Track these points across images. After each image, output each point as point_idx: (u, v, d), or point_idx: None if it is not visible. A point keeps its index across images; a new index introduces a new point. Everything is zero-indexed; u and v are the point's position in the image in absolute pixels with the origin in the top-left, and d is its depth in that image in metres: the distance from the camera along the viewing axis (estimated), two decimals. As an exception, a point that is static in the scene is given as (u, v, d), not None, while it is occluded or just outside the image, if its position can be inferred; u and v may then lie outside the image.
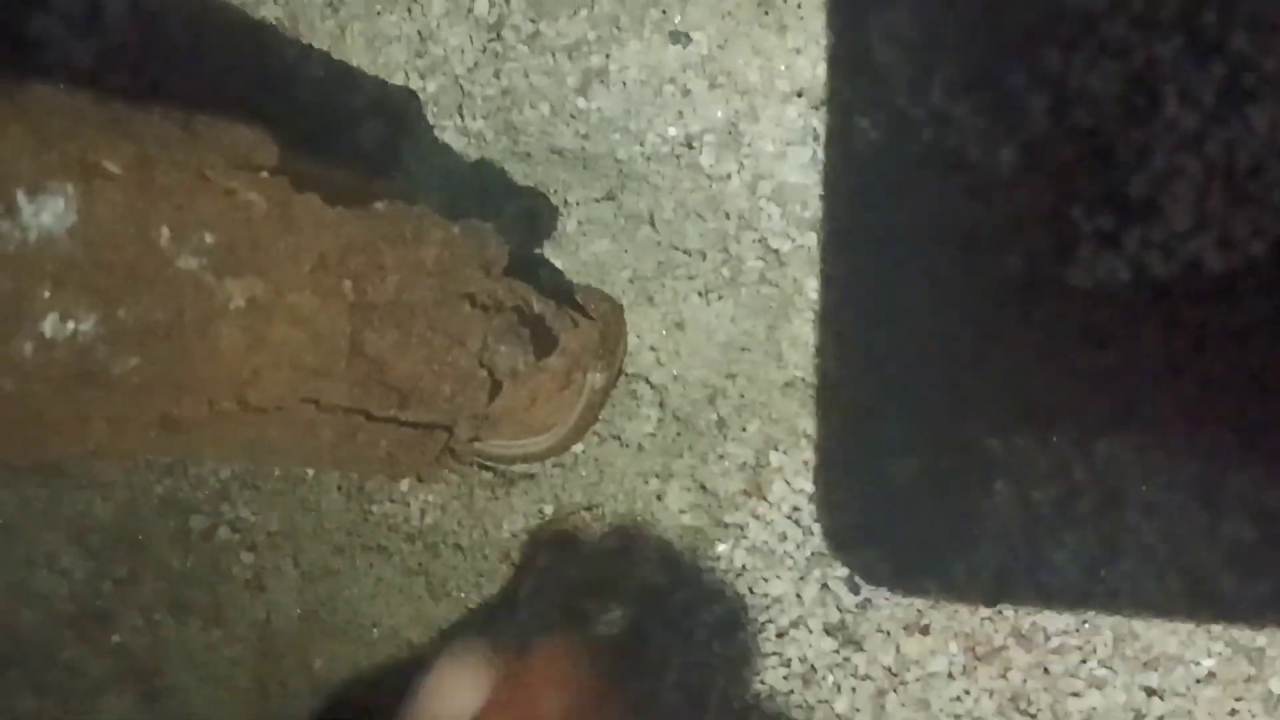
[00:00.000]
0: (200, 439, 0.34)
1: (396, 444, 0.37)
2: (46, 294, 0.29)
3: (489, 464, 0.45)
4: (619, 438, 0.45)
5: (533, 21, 0.45)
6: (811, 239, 0.46)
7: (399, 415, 0.36)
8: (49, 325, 0.29)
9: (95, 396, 0.31)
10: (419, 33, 0.47)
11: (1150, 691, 0.43)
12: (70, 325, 0.30)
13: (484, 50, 0.47)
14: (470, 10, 0.46)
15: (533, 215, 0.47)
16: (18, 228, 0.28)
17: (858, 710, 0.43)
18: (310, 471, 0.44)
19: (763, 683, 0.44)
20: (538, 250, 0.46)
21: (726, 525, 0.44)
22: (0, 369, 0.29)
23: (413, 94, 0.47)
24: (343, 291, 0.34)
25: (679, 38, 0.45)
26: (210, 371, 0.32)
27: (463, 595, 0.46)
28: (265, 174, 0.32)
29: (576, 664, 0.36)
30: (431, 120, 0.47)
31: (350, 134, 0.47)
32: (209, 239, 0.31)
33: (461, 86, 0.47)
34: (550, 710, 0.34)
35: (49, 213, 0.29)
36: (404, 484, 0.45)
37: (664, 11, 0.45)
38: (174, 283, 0.31)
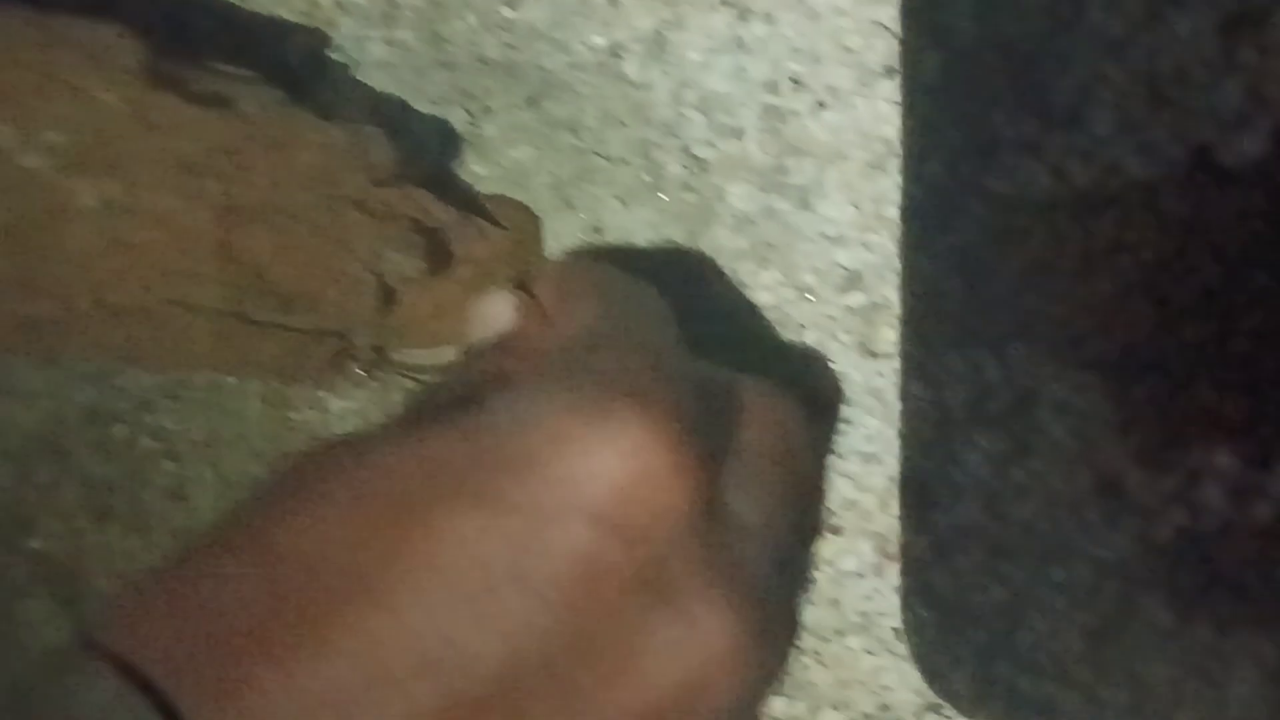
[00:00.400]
0: (64, 340, 0.34)
1: (283, 349, 0.37)
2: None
3: (404, 373, 0.45)
4: (538, 343, 0.45)
5: (459, -69, 0.45)
6: (735, 147, 0.46)
7: (283, 321, 0.36)
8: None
9: (-59, 296, 0.31)
10: (346, -56, 0.46)
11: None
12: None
13: (411, -40, 0.46)
14: (396, -80, 0.45)
15: (452, 123, 0.46)
16: None
17: (770, 610, 0.43)
18: (232, 380, 0.44)
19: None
20: (457, 158, 0.46)
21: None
22: None
23: (340, 6, 0.47)
24: (208, 193, 0.33)
25: (605, -54, 0.45)
26: (63, 272, 0.32)
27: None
28: (122, 74, 0.32)
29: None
30: (358, 32, 0.47)
31: (277, 46, 0.47)
32: (56, 138, 0.31)
33: (389, -3, 0.47)
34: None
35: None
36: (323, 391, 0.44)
37: (590, -80, 0.44)
38: (17, 181, 0.31)
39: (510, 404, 0.30)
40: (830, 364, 0.43)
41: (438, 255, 0.38)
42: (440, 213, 0.38)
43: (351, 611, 0.27)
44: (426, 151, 0.45)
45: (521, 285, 0.39)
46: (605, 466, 0.28)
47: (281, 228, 0.35)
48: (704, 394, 0.33)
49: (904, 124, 0.44)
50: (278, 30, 0.46)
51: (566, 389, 0.30)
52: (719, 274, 0.44)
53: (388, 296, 0.37)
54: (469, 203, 0.41)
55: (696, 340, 0.38)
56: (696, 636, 0.29)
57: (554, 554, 0.28)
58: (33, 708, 0.27)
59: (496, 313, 0.36)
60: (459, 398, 0.32)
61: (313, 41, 0.46)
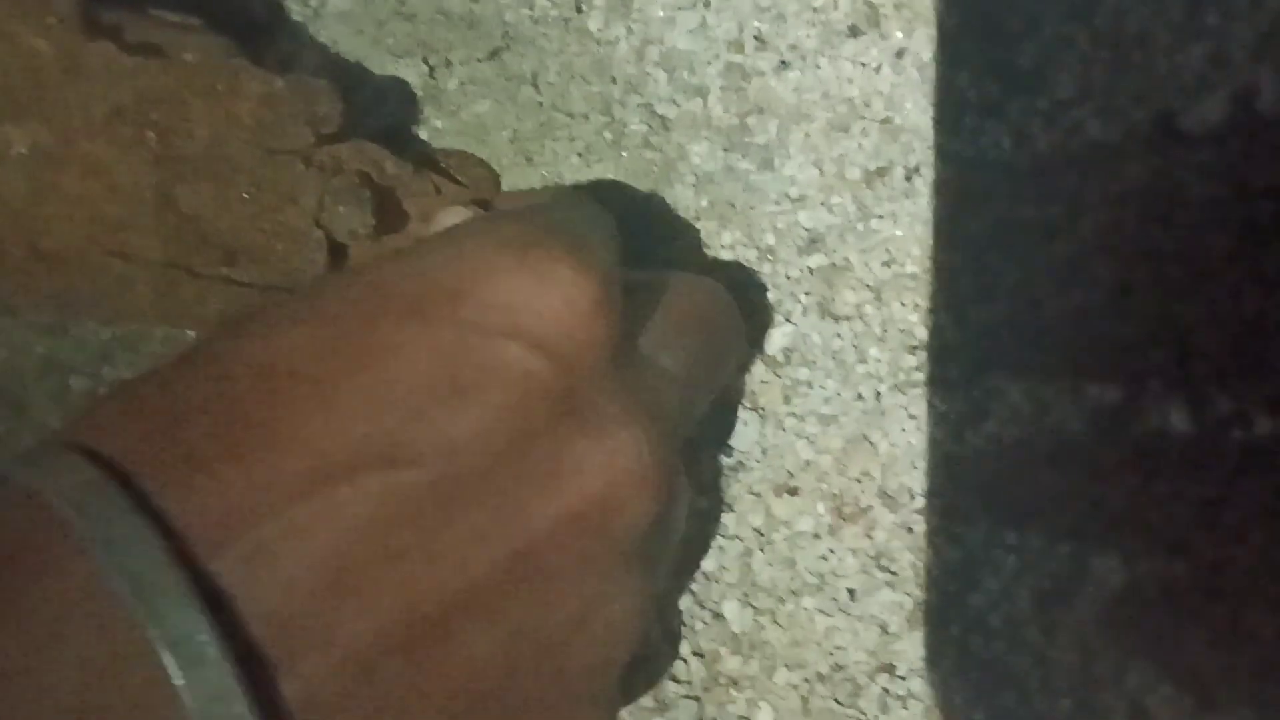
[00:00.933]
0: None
1: (228, 302, 0.36)
2: None
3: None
4: (497, 298, 0.45)
5: (419, -118, 0.44)
6: (698, 105, 0.45)
7: (229, 274, 0.36)
8: None
9: None
10: (308, -104, 0.45)
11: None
12: None
13: (374, -88, 0.45)
14: None
15: (411, 76, 0.45)
16: None
17: (725, 569, 0.43)
18: (190, 333, 0.43)
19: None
20: (416, 111, 0.46)
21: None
22: None
23: (300, -45, 0.46)
24: (145, 142, 0.33)
25: (569, -101, 0.44)
26: None
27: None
28: (54, 19, 0.31)
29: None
30: (318, -19, 0.46)
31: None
32: None
33: (350, -52, 0.46)
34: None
35: None
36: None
37: (550, -127, 0.43)
38: None
39: (448, 239, 0.33)
40: (789, 323, 0.43)
41: (391, 212, 0.37)
42: (394, 168, 0.38)
43: (301, 410, 0.29)
44: (385, 105, 0.44)
45: (482, 204, 0.40)
46: (537, 296, 0.31)
47: (223, 179, 0.34)
48: (636, 277, 0.36)
49: (864, 87, 0.43)
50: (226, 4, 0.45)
51: (501, 227, 0.33)
52: (679, 232, 0.44)
53: (337, 252, 0.37)
54: (426, 158, 0.41)
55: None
56: (611, 455, 0.31)
57: (490, 368, 0.30)
58: (6, 492, 0.28)
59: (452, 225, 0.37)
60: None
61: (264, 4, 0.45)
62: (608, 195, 0.44)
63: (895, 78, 0.44)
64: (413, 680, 0.29)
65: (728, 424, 0.43)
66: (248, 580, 0.27)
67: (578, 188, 0.44)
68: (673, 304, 0.37)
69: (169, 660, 0.25)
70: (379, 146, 0.38)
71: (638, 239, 0.43)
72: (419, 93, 0.45)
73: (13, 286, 0.33)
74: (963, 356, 0.42)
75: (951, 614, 0.41)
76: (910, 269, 0.43)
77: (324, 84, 0.36)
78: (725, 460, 0.43)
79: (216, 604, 0.26)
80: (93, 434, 0.29)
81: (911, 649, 0.42)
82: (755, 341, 0.43)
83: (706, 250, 0.44)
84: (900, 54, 0.44)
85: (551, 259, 0.31)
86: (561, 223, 0.34)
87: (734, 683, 0.42)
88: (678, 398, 0.36)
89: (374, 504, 0.29)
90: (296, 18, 0.46)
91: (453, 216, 0.38)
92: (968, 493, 0.42)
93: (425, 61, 0.45)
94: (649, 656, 0.42)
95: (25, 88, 0.31)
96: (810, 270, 0.43)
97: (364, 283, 0.32)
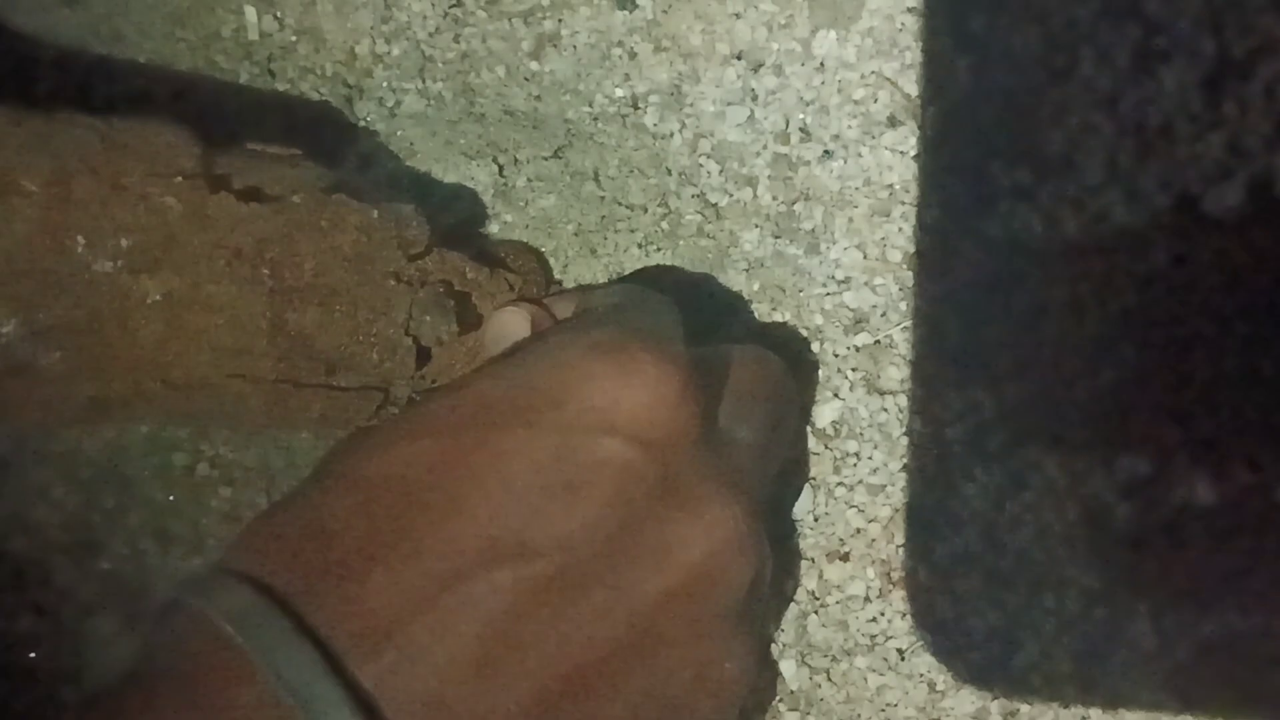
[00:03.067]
0: (133, 413, 0.36)
1: (329, 407, 0.38)
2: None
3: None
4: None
5: (489, -12, 0.46)
6: (748, 194, 0.47)
7: (329, 382, 0.38)
8: (-27, 332, 0.31)
9: (24, 385, 0.32)
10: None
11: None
12: (-5, 329, 0.31)
13: (445, 16, 0.47)
14: (430, -22, 0.46)
15: (483, 175, 0.47)
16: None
17: (782, 630, 0.45)
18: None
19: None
20: (487, 208, 0.47)
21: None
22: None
23: (376, 57, 0.48)
24: (260, 279, 0.35)
25: (626, 4, 0.46)
26: (132, 358, 0.34)
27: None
28: (181, 179, 0.34)
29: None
30: (393, 84, 0.48)
31: (316, 98, 0.48)
32: (124, 243, 0.33)
33: (423, 51, 0.47)
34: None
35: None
36: (368, 425, 0.46)
37: (610, -21, 0.45)
38: (91, 284, 0.32)
39: (541, 349, 0.35)
40: (838, 399, 0.44)
41: (469, 315, 0.39)
42: (472, 273, 0.40)
43: (435, 518, 0.31)
44: (459, 202, 0.46)
45: (534, 301, 0.42)
46: (627, 395, 0.33)
47: (326, 303, 0.36)
48: (699, 355, 0.37)
49: (904, 174, 0.44)
50: (316, 81, 0.47)
51: (589, 333, 0.35)
52: (734, 315, 0.45)
53: (423, 355, 0.39)
54: (483, 250, 0.43)
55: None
56: (709, 529, 0.34)
57: (592, 464, 0.33)
58: (178, 613, 0.30)
59: (512, 324, 0.40)
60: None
61: (349, 92, 0.47)
62: (666, 283, 0.46)
63: (932, 165, 0.45)
64: None
65: (782, 493, 0.45)
66: (402, 676, 0.29)
67: (633, 278, 0.46)
68: (738, 378, 0.39)
69: None
70: (458, 254, 0.40)
71: (695, 323, 0.45)
72: (490, 190, 0.47)
73: (148, 412, 0.36)
74: (1000, 430, 0.43)
75: (996, 673, 0.43)
76: (949, 346, 0.44)
77: (411, 210, 0.38)
78: (780, 527, 0.45)
79: (373, 704, 0.29)
80: (249, 558, 0.31)
81: (958, 706, 0.43)
82: (806, 417, 0.45)
83: (759, 332, 0.45)
84: (937, 143, 0.45)
85: (636, 359, 0.34)
86: (639, 321, 0.37)
87: (791, 738, 0.44)
88: (756, 465, 0.38)
89: (507, 595, 0.31)
90: (373, 118, 0.48)
91: (507, 316, 0.40)
92: (1008, 559, 0.43)
93: (495, 160, 0.47)
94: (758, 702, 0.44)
95: (158, 242, 0.33)
96: (856, 348, 0.45)
97: (471, 396, 0.34)
